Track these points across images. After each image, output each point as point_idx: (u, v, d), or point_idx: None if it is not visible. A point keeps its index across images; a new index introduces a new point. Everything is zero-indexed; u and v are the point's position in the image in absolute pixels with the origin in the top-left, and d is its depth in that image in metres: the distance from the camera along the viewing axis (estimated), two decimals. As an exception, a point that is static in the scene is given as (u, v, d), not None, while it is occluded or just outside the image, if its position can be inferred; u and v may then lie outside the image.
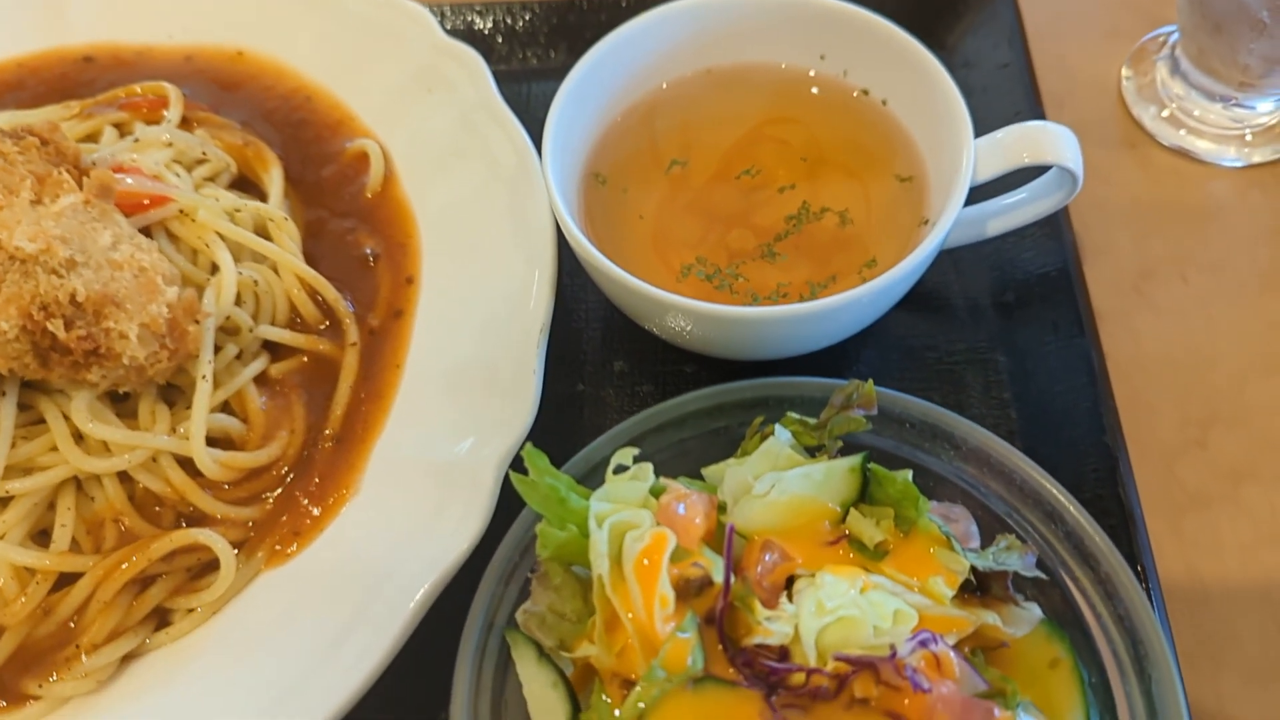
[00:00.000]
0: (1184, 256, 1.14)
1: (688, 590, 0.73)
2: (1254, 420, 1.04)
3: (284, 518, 0.95)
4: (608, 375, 1.09)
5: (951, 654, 0.72)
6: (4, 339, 0.87)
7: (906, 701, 0.70)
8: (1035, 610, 0.77)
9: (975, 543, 0.82)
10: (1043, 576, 0.78)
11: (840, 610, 0.71)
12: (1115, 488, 0.96)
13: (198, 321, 0.94)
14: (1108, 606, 0.75)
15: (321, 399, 1.01)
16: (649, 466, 0.78)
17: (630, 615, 0.72)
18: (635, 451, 0.79)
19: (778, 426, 0.80)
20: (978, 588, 0.79)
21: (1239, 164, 1.19)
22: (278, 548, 0.94)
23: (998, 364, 1.05)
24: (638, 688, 0.70)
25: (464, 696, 0.77)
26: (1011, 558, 0.78)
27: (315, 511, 0.95)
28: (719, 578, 0.73)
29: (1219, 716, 0.90)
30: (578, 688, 0.78)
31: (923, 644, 0.71)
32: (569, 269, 1.07)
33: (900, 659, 0.69)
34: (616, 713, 0.73)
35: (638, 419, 0.84)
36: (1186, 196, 1.18)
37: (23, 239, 0.88)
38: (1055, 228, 1.12)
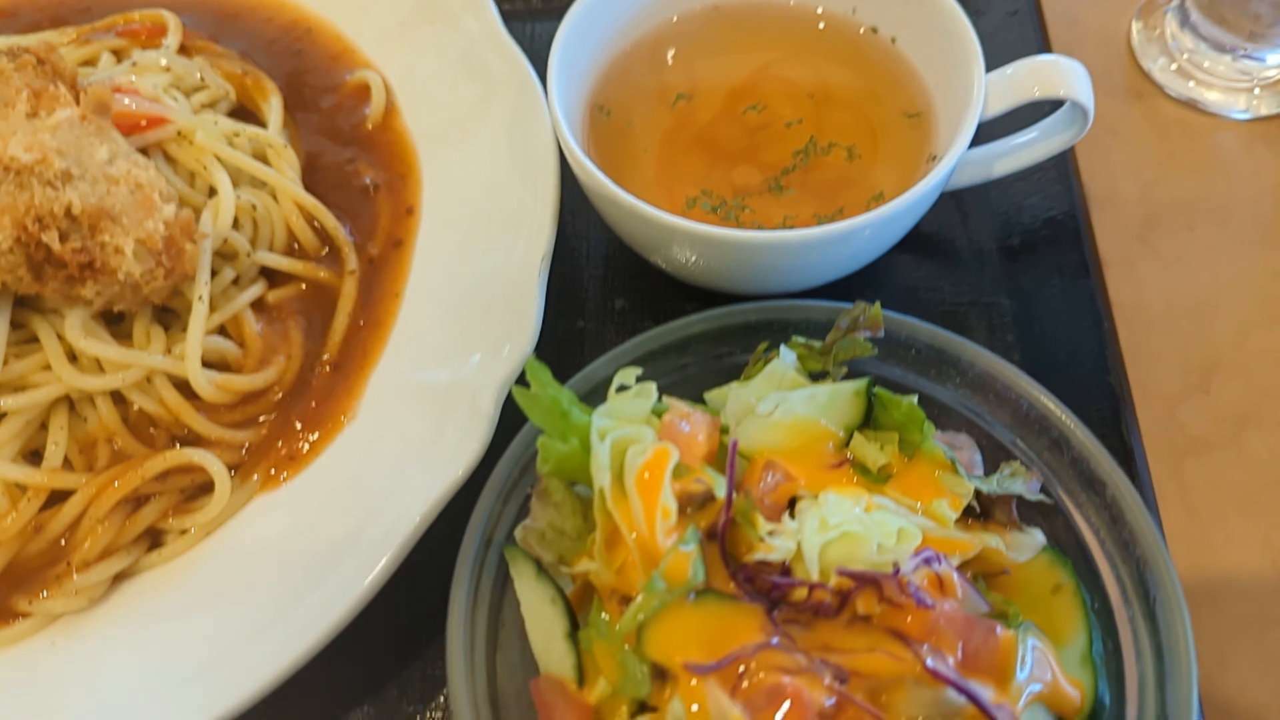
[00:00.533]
0: (1189, 206, 1.13)
1: (690, 505, 0.72)
2: (1256, 368, 1.03)
3: (279, 442, 0.94)
4: (609, 313, 1.08)
5: (954, 575, 0.72)
6: (-2, 250, 0.86)
7: (909, 619, 0.69)
8: (1038, 536, 0.77)
9: (979, 471, 0.81)
10: (1046, 500, 0.77)
11: (844, 526, 0.70)
12: (1118, 427, 0.96)
13: (194, 241, 0.93)
14: (1112, 531, 0.75)
15: (319, 326, 1.00)
16: (652, 385, 0.77)
17: (632, 533, 0.71)
18: (638, 371, 0.78)
19: (782, 348, 0.80)
20: (981, 514, 0.79)
21: (1247, 116, 1.18)
22: (273, 472, 0.93)
23: (1002, 307, 1.04)
24: (637, 599, 0.69)
25: (461, 614, 0.76)
26: (1016, 483, 0.77)
27: (312, 436, 0.94)
28: (721, 494, 0.72)
29: (1217, 659, 0.90)
30: (576, 607, 0.77)
31: (926, 562, 0.71)
32: (570, 207, 1.06)
33: (904, 576, 0.69)
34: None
35: (640, 339, 0.82)
36: (1193, 148, 1.18)
37: (18, 149, 0.86)
38: (1062, 173, 1.11)
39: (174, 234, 0.91)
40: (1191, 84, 1.20)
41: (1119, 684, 0.72)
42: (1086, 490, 0.76)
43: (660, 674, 0.70)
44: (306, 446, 0.94)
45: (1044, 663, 0.71)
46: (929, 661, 0.67)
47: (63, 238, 0.86)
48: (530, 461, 0.79)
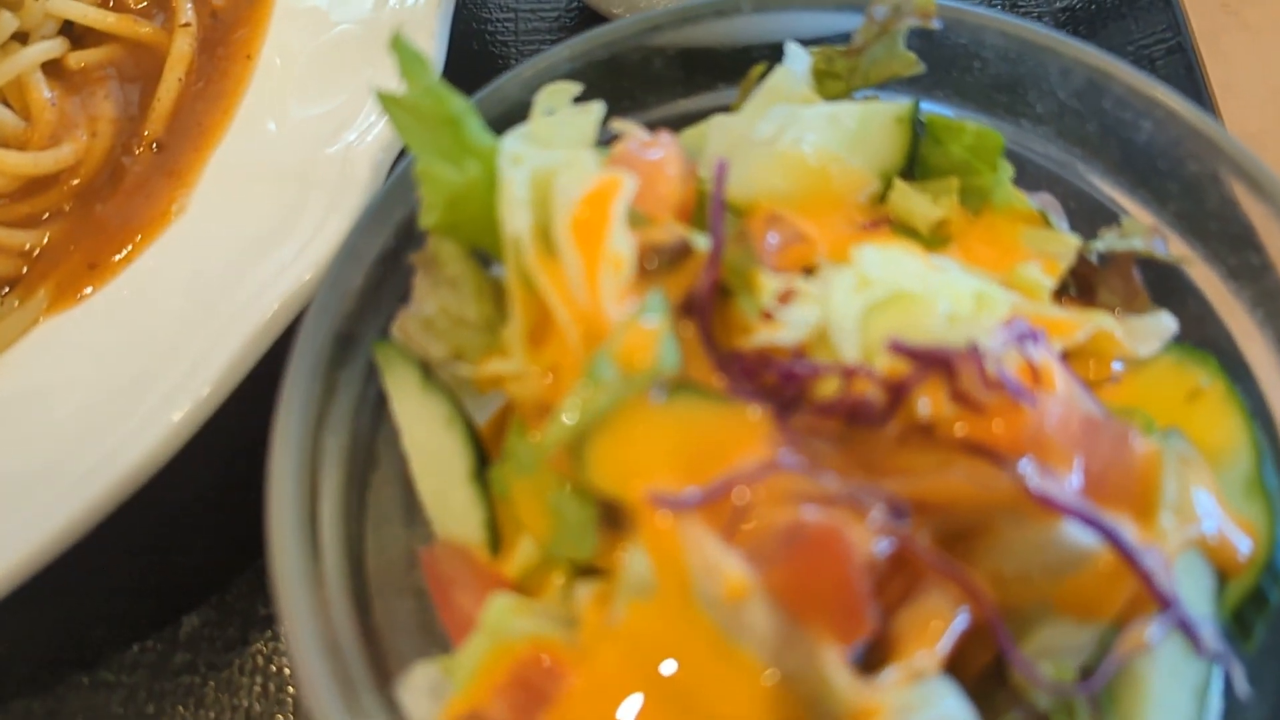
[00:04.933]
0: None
1: (655, 261, 0.47)
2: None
3: (75, 246, 0.67)
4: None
5: (1057, 365, 0.47)
6: None
7: (995, 424, 0.44)
8: (1169, 320, 0.52)
9: (1070, 241, 0.56)
10: (1179, 261, 0.53)
11: (895, 284, 0.45)
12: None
13: (-55, -43, 0.66)
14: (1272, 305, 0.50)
15: (141, 97, 0.73)
16: (597, 105, 0.51)
17: (565, 306, 0.46)
18: (576, 89, 0.52)
19: (790, 47, 0.54)
20: (1079, 293, 0.54)
21: None
22: (67, 285, 0.66)
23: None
24: (572, 394, 0.43)
25: (293, 454, 0.48)
26: (1133, 240, 0.53)
27: (123, 238, 0.67)
28: (702, 246, 0.47)
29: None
30: (490, 447, 0.52)
31: (1020, 340, 0.46)
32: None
33: (988, 357, 0.44)
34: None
35: (578, 42, 0.55)
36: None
37: None
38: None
39: (-91, -59, 0.64)
40: None
41: (1301, 524, 0.48)
42: (1241, 249, 0.51)
43: (612, 520, 0.45)
44: (116, 252, 0.67)
45: (1202, 490, 0.46)
46: (1033, 481, 0.42)
47: None
48: (410, 221, 0.52)
